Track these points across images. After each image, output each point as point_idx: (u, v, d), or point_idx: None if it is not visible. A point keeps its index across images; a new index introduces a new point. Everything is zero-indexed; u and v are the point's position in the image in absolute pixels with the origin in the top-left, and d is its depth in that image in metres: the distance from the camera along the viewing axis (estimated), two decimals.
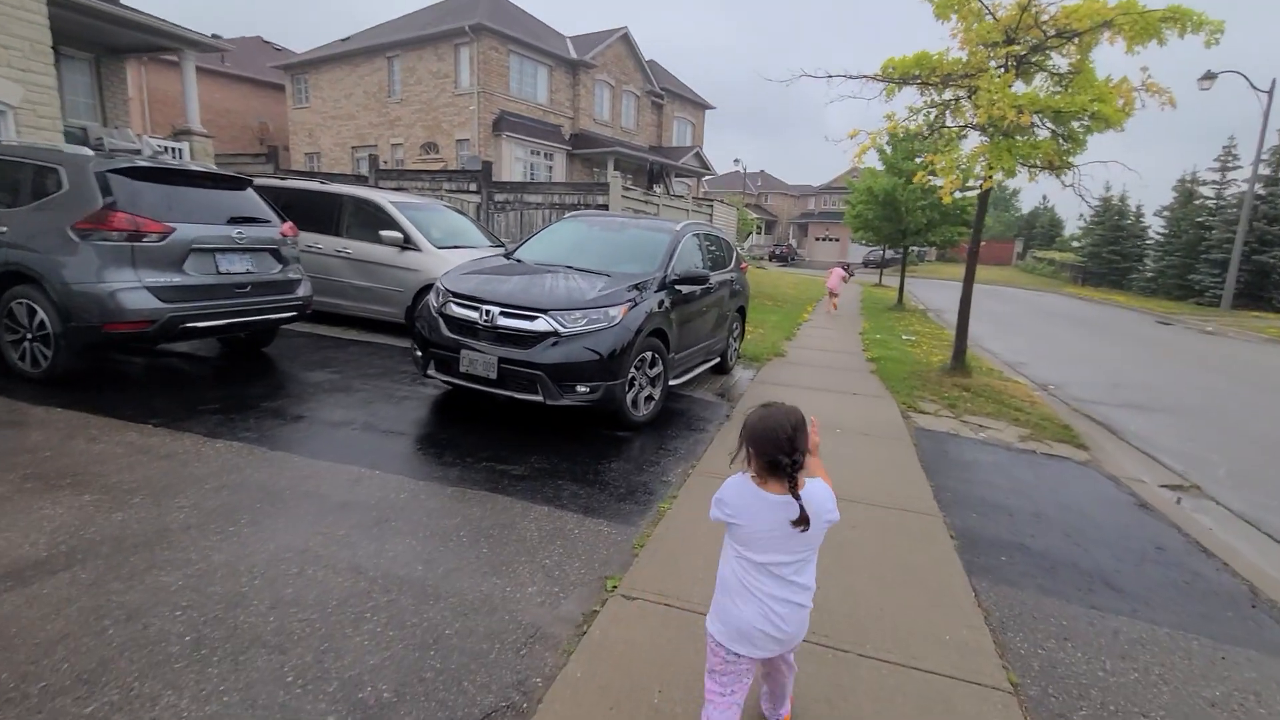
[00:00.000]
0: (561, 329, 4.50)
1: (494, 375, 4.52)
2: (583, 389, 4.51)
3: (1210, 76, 21.44)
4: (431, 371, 4.87)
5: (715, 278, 6.65)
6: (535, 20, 24.46)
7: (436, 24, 21.50)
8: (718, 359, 7.25)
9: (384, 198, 7.93)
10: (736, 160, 47.91)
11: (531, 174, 22.22)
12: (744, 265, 8.27)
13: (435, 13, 23.77)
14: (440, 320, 4.87)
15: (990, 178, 7.12)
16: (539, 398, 4.47)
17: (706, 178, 32.27)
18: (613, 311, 4.66)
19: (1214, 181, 29.78)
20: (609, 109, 25.54)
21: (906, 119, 8.25)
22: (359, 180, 12.38)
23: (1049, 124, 7.17)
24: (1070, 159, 7.18)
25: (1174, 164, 48.70)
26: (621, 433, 4.94)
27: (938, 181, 7.69)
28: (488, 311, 4.62)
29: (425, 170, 13.81)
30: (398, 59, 22.54)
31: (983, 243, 21.46)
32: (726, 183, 59.69)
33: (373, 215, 7.83)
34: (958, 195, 18.03)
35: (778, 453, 1.66)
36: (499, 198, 11.43)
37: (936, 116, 8.09)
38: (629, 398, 4.88)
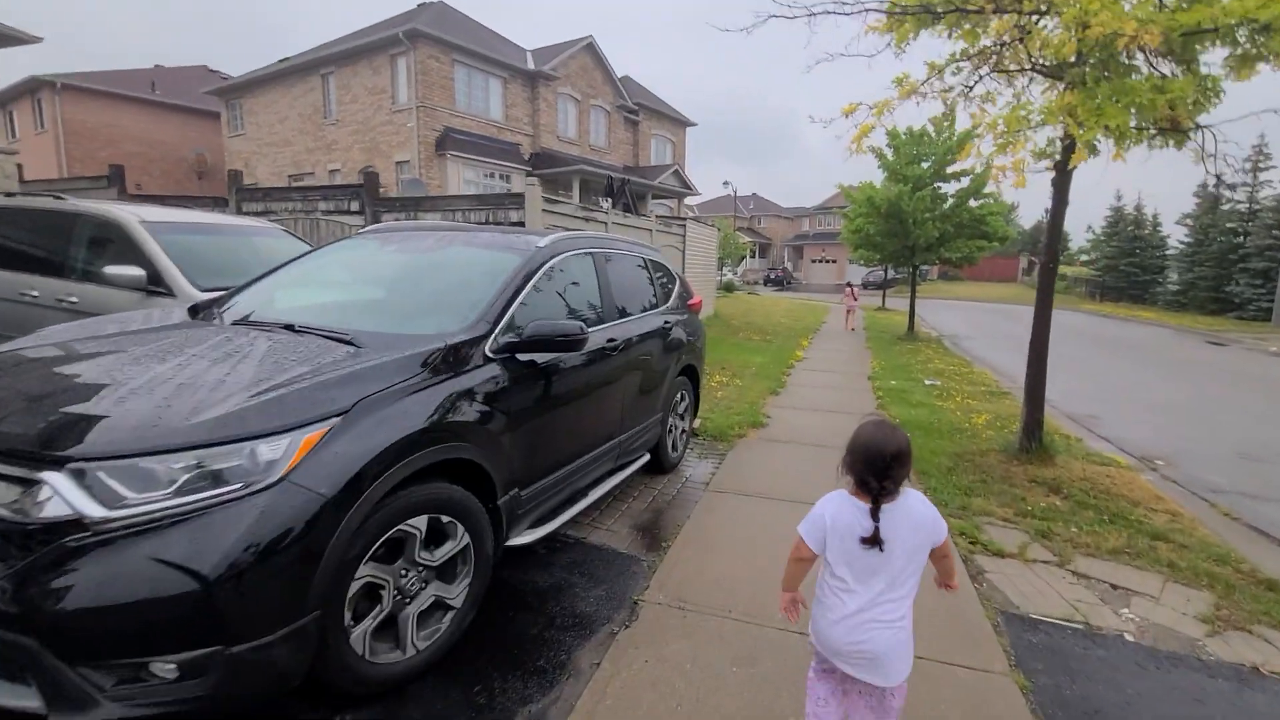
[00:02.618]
0: (99, 511, 1.68)
1: None
2: (164, 670, 1.67)
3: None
4: None
5: (623, 329, 3.87)
6: (487, 30, 22.16)
7: (372, 34, 19.15)
8: (645, 455, 4.44)
9: (133, 215, 5.18)
10: (726, 182, 45.67)
11: None
12: (695, 300, 5.50)
13: (377, 27, 21.51)
14: None
15: (1079, 147, 4.35)
16: (34, 705, 1.63)
17: (689, 198, 29.83)
18: (267, 450, 1.83)
19: (1244, 184, 27.24)
20: (575, 125, 23.11)
21: (927, 81, 5.58)
22: (217, 204, 9.76)
23: (1167, 61, 4.47)
24: (1203, 112, 4.47)
25: (1183, 170, 46.33)
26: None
27: (992, 163, 4.92)
28: None
29: (297, 188, 11.19)
30: (332, 76, 20.15)
31: (986, 258, 18.32)
32: (717, 206, 57.63)
33: (118, 244, 5.10)
34: (974, 204, 15.41)
35: (868, 473, 1.66)
36: (388, 218, 8.75)
37: (973, 70, 5.41)
38: (359, 636, 2.06)
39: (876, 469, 1.64)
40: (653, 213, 13.95)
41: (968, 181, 14.99)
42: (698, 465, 5.12)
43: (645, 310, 4.37)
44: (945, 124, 15.39)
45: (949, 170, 15.05)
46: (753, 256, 58.14)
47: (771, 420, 6.70)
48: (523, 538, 2.93)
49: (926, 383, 9.32)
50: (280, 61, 22.41)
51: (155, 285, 4.79)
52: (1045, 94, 4.91)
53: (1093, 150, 4.64)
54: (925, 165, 15.08)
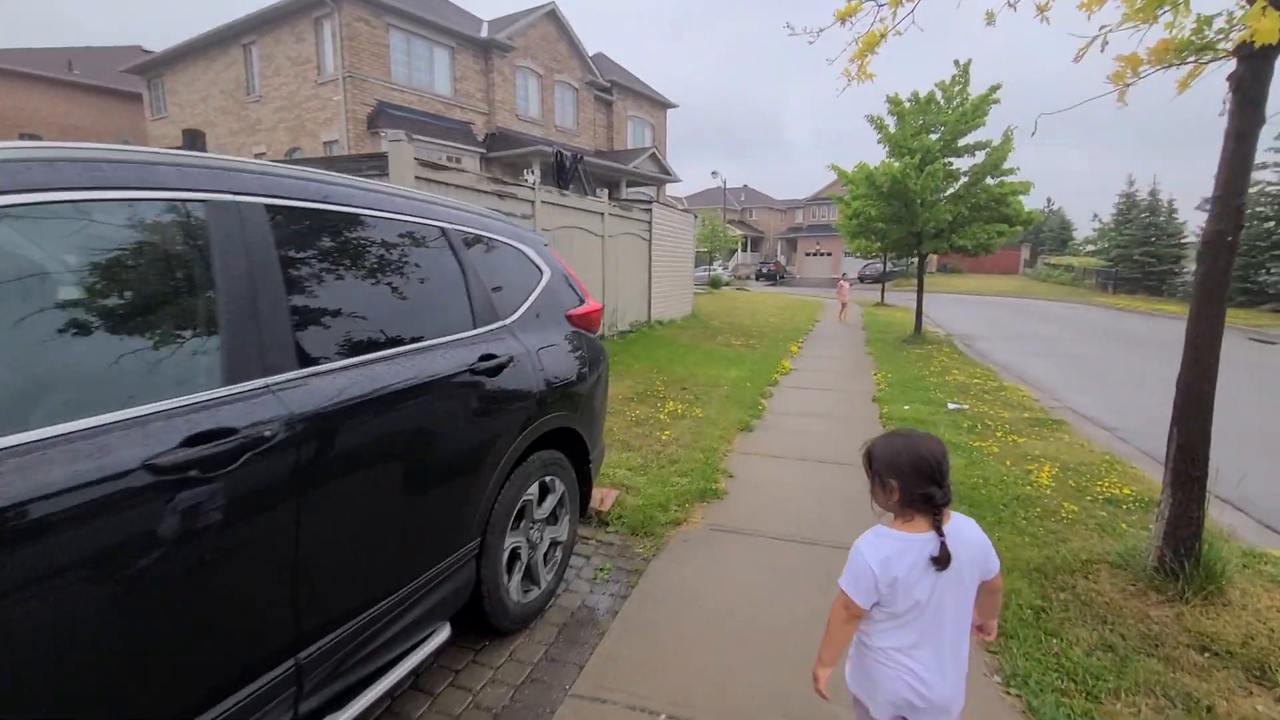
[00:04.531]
0: None
1: None
2: None
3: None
4: None
5: (314, 391, 1.54)
6: None
7: None
8: (441, 632, 2.15)
9: None
10: (714, 172, 42.99)
11: None
12: (585, 310, 3.19)
13: None
14: None
15: None
16: None
17: (671, 187, 27.49)
18: None
19: (1276, 164, 24.92)
20: (538, 103, 20.69)
21: None
22: None
23: None
24: None
25: (1202, 151, 44.17)
26: None
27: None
28: None
29: None
30: (254, 46, 17.67)
31: (999, 251, 15.69)
32: (706, 199, 55.28)
33: None
34: (991, 181, 13.16)
35: (929, 483, 1.38)
36: None
37: None
38: None
39: (935, 475, 1.39)
40: (607, 195, 11.61)
41: (983, 156, 12.77)
42: (585, 598, 2.85)
43: (424, 337, 2.08)
44: (956, 89, 13.20)
45: (961, 143, 12.82)
46: (744, 250, 55.86)
47: (736, 481, 4.43)
48: None
49: (950, 406, 7.04)
50: (207, 33, 19.92)
51: None
52: None
53: None
54: (934, 137, 12.82)
